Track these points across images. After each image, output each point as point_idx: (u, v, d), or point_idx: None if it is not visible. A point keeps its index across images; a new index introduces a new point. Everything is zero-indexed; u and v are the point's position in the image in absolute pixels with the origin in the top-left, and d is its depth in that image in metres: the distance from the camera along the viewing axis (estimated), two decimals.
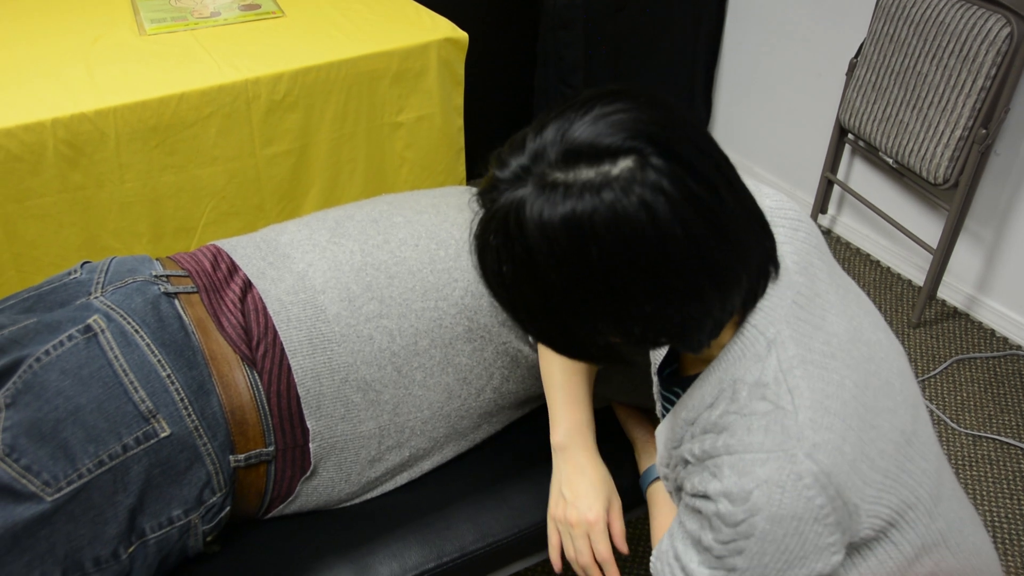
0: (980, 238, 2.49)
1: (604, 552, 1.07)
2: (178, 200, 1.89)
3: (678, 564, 0.97)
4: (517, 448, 1.39)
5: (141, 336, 1.11)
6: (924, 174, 2.34)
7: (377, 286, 1.24)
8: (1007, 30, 2.11)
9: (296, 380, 1.17)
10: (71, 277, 1.22)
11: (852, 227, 2.91)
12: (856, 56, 2.54)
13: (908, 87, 2.37)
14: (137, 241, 1.88)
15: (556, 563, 1.11)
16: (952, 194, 2.35)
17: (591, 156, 0.73)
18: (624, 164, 0.72)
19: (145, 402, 1.07)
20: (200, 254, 1.31)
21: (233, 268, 1.28)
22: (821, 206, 2.85)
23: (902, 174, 2.60)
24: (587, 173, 0.72)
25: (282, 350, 1.18)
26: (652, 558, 1.07)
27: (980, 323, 2.54)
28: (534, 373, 1.34)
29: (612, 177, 0.72)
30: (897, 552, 0.95)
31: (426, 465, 1.32)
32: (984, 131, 2.20)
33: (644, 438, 1.31)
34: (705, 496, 0.89)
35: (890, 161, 2.51)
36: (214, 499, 1.13)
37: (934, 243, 2.48)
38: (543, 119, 0.79)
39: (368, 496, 1.29)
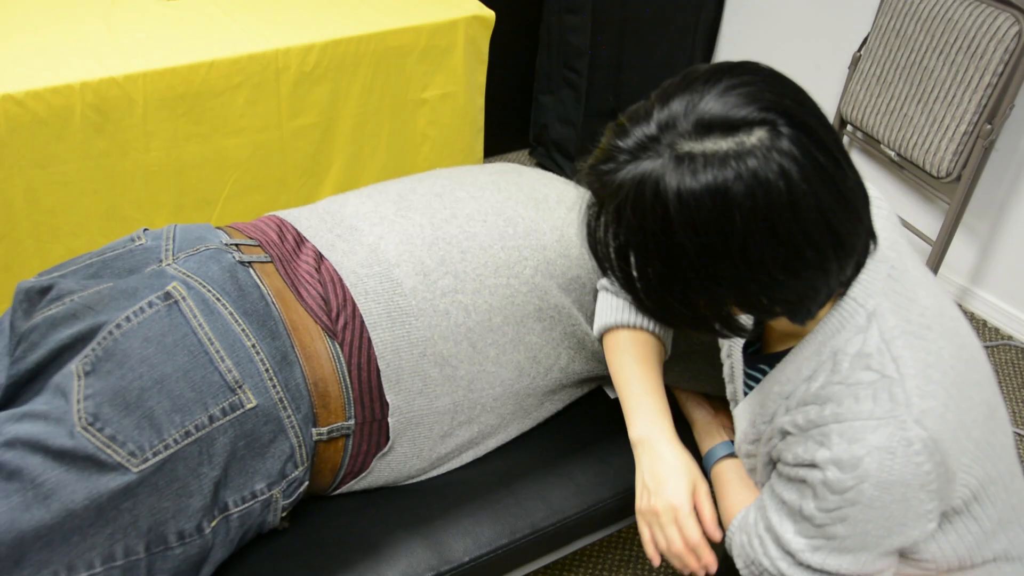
0: (975, 231, 2.56)
1: (694, 536, 1.03)
2: (201, 171, 1.84)
3: (770, 535, 0.99)
4: (577, 425, 1.39)
5: (223, 305, 1.08)
6: (927, 167, 2.40)
7: (450, 260, 1.23)
8: (1015, 28, 2.17)
9: (376, 353, 1.14)
10: (136, 244, 1.18)
11: None
12: (860, 50, 2.59)
13: (913, 81, 2.42)
14: (158, 212, 1.83)
15: (654, 558, 1.08)
16: (952, 188, 2.41)
17: (725, 127, 0.76)
18: (758, 135, 0.75)
19: (232, 372, 1.04)
20: (263, 224, 1.28)
21: (300, 239, 1.25)
22: None
23: (902, 167, 2.65)
24: (722, 143, 0.75)
25: (362, 322, 1.15)
26: (730, 533, 1.08)
27: (972, 314, 2.61)
28: (598, 356, 1.33)
29: (750, 147, 0.75)
30: (977, 527, 0.97)
31: (492, 443, 1.31)
32: (989, 126, 2.26)
33: (705, 419, 1.32)
34: (812, 465, 0.90)
35: (892, 154, 2.55)
36: (296, 473, 1.10)
37: (931, 235, 2.54)
38: (666, 91, 0.81)
39: (435, 473, 1.28)
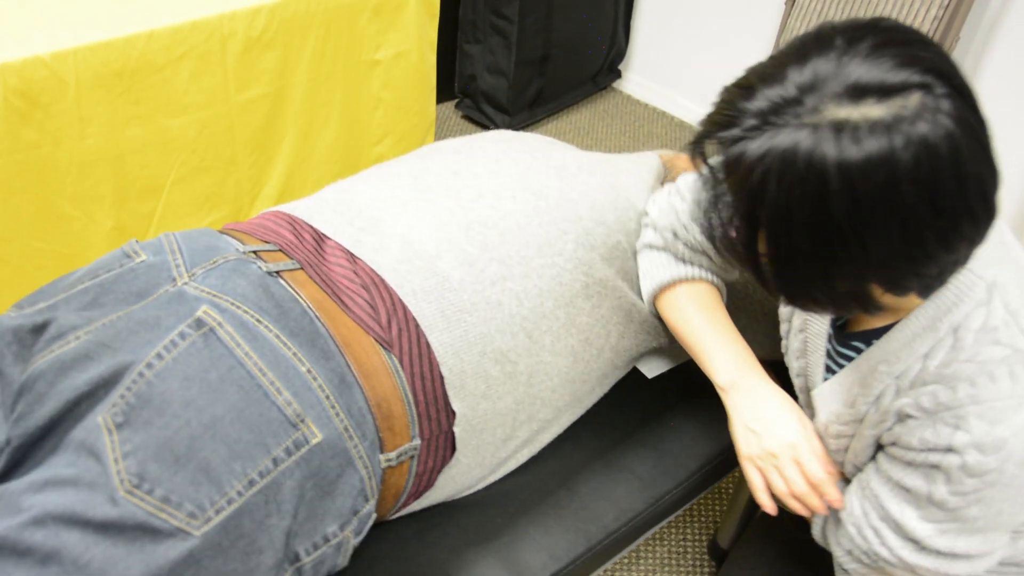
0: None
1: (818, 473, 0.98)
2: (144, 156, 1.63)
3: (888, 524, 0.94)
4: (621, 411, 1.30)
5: (266, 326, 0.93)
6: None
7: (492, 245, 1.10)
8: None
9: (437, 358, 1.02)
10: (137, 261, 1.00)
11: None
12: None
13: (857, 14, 2.40)
14: (99, 206, 1.61)
15: (770, 506, 1.02)
16: None
17: (882, 91, 0.70)
18: (916, 98, 0.70)
19: (291, 404, 0.90)
20: (270, 223, 1.12)
21: (319, 237, 1.10)
22: None
23: None
24: (880, 109, 0.70)
25: (416, 326, 1.02)
26: (819, 520, 1.03)
27: None
28: (645, 327, 1.25)
29: (914, 112, 0.70)
30: None
31: (545, 438, 1.21)
32: None
33: None
34: (948, 449, 0.85)
35: None
36: (367, 507, 0.97)
37: None
38: (800, 50, 0.76)
39: (492, 479, 1.17)
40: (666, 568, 1.74)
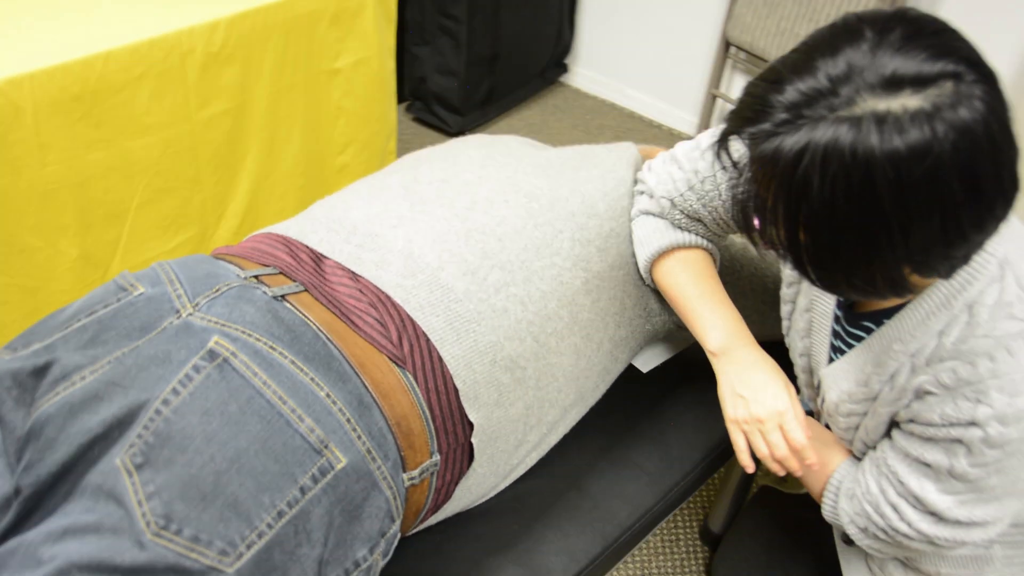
0: None
1: (800, 439, 1.01)
2: (107, 181, 1.58)
3: (906, 500, 0.97)
4: (620, 407, 1.31)
5: (280, 353, 0.91)
6: None
7: (492, 252, 1.10)
8: None
9: (451, 371, 1.01)
10: (136, 293, 0.97)
11: None
12: None
13: (803, 1, 2.45)
14: (62, 235, 1.56)
15: (749, 466, 1.06)
16: None
17: (917, 82, 0.71)
18: (949, 87, 0.71)
19: (314, 431, 0.88)
20: (264, 246, 1.09)
21: (317, 257, 1.08)
22: (707, 123, 2.92)
23: None
24: (916, 99, 0.71)
25: (427, 341, 1.01)
26: (830, 501, 1.05)
27: None
28: (636, 311, 1.26)
29: (950, 100, 0.71)
30: None
31: (552, 439, 1.21)
32: None
33: None
34: (971, 423, 0.88)
35: None
36: (393, 528, 0.96)
37: None
38: (830, 41, 0.76)
39: (503, 485, 1.17)
40: (660, 557, 1.76)
